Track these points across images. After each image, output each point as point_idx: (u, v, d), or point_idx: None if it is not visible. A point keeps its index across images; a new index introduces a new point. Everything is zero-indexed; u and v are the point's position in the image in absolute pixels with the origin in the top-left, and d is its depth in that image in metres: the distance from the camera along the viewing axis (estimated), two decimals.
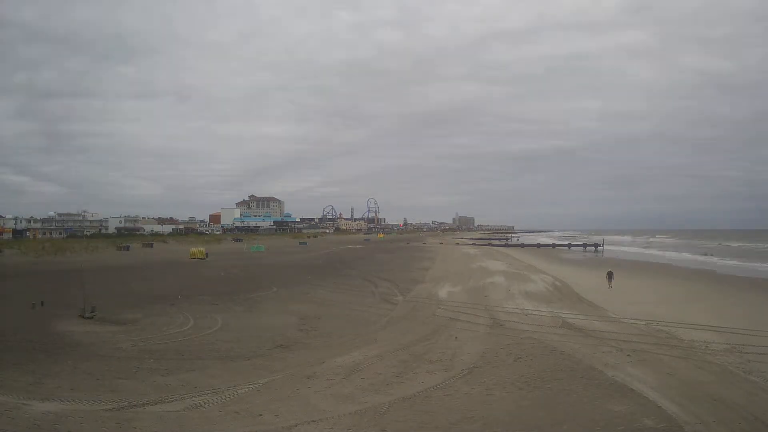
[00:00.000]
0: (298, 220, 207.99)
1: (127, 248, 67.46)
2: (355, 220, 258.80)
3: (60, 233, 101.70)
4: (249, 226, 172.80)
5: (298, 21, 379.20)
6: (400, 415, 9.89)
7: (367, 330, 18.03)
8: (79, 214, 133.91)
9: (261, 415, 9.85)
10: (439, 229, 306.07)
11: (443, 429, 9.31)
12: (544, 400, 10.69)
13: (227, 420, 9.61)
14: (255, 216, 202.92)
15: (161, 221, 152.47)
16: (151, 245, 77.11)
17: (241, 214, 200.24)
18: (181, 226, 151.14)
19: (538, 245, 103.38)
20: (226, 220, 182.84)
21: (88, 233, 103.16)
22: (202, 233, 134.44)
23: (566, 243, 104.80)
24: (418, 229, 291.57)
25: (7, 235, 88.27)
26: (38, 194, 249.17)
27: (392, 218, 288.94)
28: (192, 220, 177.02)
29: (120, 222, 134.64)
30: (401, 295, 26.74)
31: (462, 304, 23.38)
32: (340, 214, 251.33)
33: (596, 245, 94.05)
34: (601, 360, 13.79)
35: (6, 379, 11.70)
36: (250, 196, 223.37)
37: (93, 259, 52.05)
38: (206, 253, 57.30)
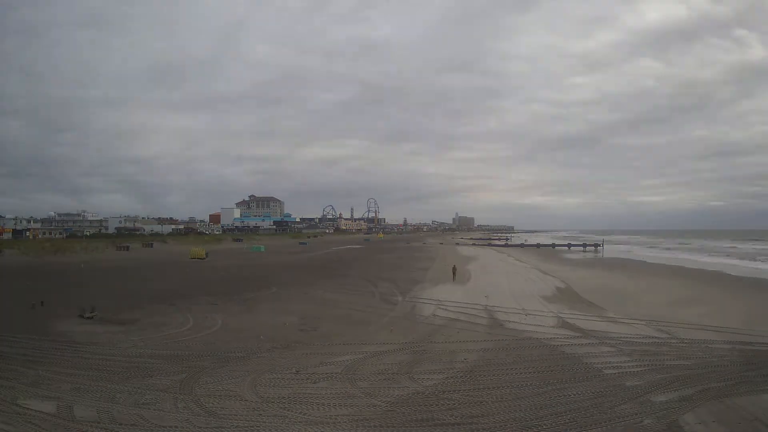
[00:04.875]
0: (298, 220, 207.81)
1: (127, 248, 67.45)
2: (355, 220, 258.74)
3: (60, 233, 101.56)
4: (249, 226, 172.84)
5: None
6: (400, 414, 9.89)
7: (367, 330, 18.02)
8: (78, 214, 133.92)
9: (261, 415, 9.86)
10: (439, 229, 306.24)
11: (444, 429, 9.31)
12: (544, 399, 10.69)
13: (227, 420, 9.61)
14: (255, 216, 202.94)
15: (161, 221, 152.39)
16: (151, 245, 77.10)
17: (241, 214, 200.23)
18: (181, 226, 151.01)
19: (538, 245, 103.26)
20: (226, 220, 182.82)
21: (88, 233, 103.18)
22: (202, 233, 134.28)
23: (566, 243, 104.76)
24: (418, 229, 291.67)
25: (7, 235, 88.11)
26: None
27: (392, 218, 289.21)
28: (192, 220, 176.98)
29: (120, 222, 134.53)
30: (401, 295, 26.72)
31: (462, 304, 23.37)
32: (340, 214, 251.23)
33: (596, 245, 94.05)
34: (601, 360, 13.79)
35: (6, 379, 11.70)
36: (250, 196, 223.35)
37: (93, 259, 52.05)
38: (206, 253, 57.31)
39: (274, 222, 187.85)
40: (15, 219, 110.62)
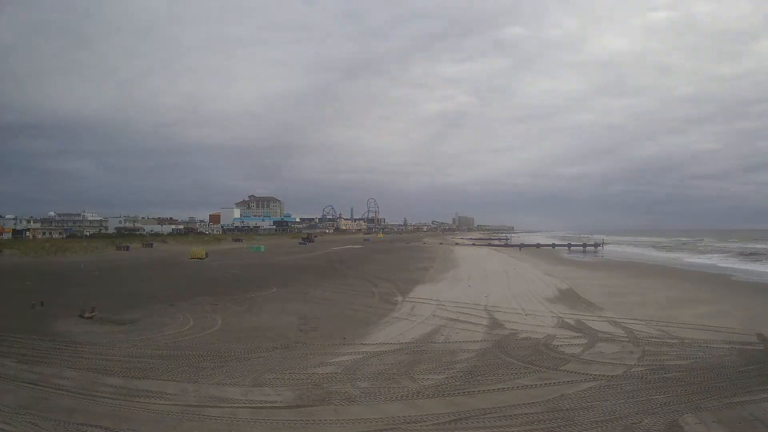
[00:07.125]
0: (297, 220, 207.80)
1: (127, 248, 67.42)
2: (355, 220, 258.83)
3: (60, 233, 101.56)
4: (249, 226, 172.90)
5: None
6: (400, 414, 9.90)
7: (367, 330, 18.03)
8: (78, 214, 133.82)
9: (261, 416, 9.86)
10: (439, 229, 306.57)
11: (444, 428, 9.32)
12: (545, 399, 10.69)
13: (226, 421, 9.61)
14: (255, 216, 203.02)
15: (161, 221, 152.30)
16: (151, 245, 77.09)
17: (240, 214, 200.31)
18: (181, 226, 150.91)
19: (538, 245, 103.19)
20: (226, 220, 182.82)
21: (87, 233, 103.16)
22: (201, 233, 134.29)
23: (566, 243, 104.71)
24: (418, 229, 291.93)
25: (7, 235, 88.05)
26: None
27: (392, 218, 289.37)
28: (192, 220, 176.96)
29: (120, 222, 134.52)
30: (401, 295, 26.72)
31: (462, 305, 23.38)
32: (340, 214, 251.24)
33: (596, 245, 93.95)
34: (601, 360, 13.79)
35: (6, 380, 11.71)
36: (249, 196, 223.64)
37: (93, 259, 52.05)
38: (206, 253, 57.32)
39: (274, 222, 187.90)
40: (15, 219, 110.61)
